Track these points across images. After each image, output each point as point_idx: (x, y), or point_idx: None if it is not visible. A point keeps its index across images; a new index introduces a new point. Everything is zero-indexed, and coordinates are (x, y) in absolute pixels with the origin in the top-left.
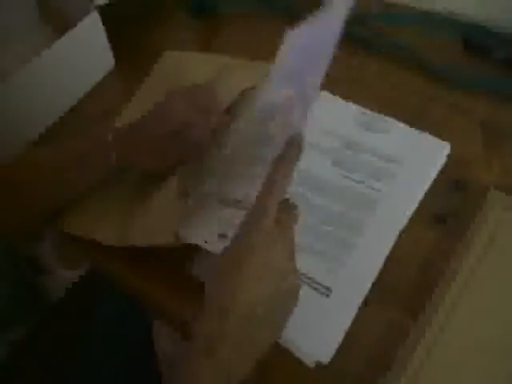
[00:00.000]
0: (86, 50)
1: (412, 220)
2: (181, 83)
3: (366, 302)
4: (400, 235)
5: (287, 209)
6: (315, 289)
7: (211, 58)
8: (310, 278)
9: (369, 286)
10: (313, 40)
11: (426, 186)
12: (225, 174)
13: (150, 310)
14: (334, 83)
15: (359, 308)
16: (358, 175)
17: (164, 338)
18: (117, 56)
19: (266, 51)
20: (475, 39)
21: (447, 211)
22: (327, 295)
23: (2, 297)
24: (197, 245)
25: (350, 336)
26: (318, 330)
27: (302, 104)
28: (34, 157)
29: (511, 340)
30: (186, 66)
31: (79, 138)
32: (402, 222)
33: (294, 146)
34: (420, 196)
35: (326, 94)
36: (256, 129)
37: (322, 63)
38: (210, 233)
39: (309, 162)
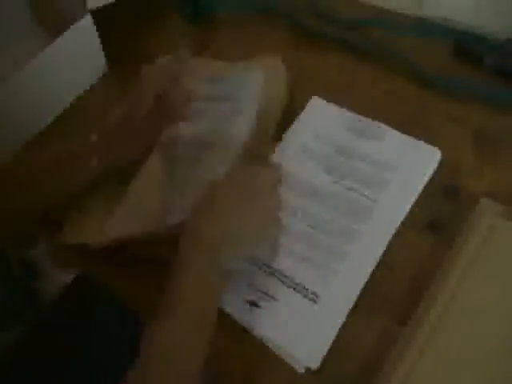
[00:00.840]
0: (79, 54)
1: (403, 226)
2: None
3: (357, 309)
4: (391, 241)
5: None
6: (304, 295)
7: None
8: (299, 284)
9: (358, 292)
10: None
11: (417, 192)
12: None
13: (143, 314)
14: (327, 89)
15: (350, 314)
16: (349, 182)
17: None
18: (110, 60)
19: (260, 54)
20: (467, 46)
21: (438, 218)
22: (316, 302)
23: None
24: None
25: (340, 342)
26: (307, 336)
27: None
28: (23, 159)
29: (502, 342)
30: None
31: (66, 141)
32: (393, 228)
33: None
34: (411, 203)
35: (318, 100)
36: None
37: None
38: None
39: (300, 168)
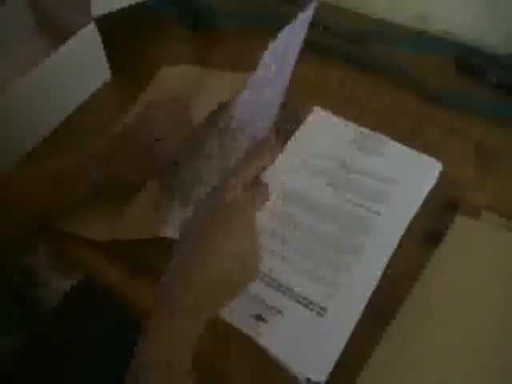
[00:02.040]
0: (83, 61)
1: (404, 238)
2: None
3: (361, 321)
4: (393, 253)
5: (255, 188)
6: (311, 309)
7: (206, 72)
8: (304, 298)
9: (363, 305)
10: (285, 50)
11: (419, 204)
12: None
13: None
14: (329, 101)
15: (356, 327)
16: (351, 196)
17: None
18: (113, 67)
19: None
20: (468, 60)
21: (439, 230)
22: (322, 315)
23: None
24: None
25: (346, 354)
26: (313, 350)
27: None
28: (22, 168)
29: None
30: (180, 82)
31: (62, 156)
32: (396, 240)
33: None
34: (412, 215)
35: (320, 111)
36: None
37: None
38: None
39: (301, 182)
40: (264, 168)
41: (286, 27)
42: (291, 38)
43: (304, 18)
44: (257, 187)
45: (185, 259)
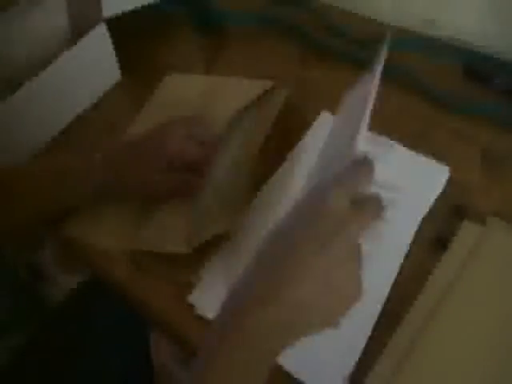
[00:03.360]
0: (93, 62)
1: (412, 245)
2: (180, 108)
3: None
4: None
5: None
6: None
7: (211, 80)
8: None
9: (377, 315)
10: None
11: (426, 210)
12: None
13: (148, 320)
14: (335, 104)
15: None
16: None
17: (162, 350)
18: (123, 68)
19: (269, 67)
20: (476, 66)
21: (446, 236)
22: (335, 326)
23: (2, 303)
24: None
25: (360, 364)
26: (327, 363)
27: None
28: (29, 167)
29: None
30: (185, 90)
31: (67, 156)
32: (405, 247)
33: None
34: (420, 220)
35: (328, 115)
36: None
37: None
38: None
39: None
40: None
41: (365, 76)
42: (368, 86)
43: (378, 67)
44: (368, 203)
45: (264, 276)
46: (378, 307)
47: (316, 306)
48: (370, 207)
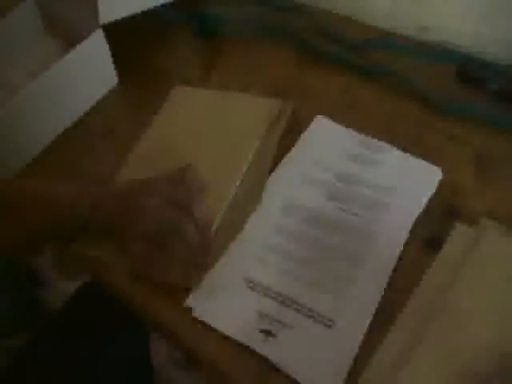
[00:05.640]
0: (90, 67)
1: (405, 246)
2: (189, 123)
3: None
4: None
5: None
6: (318, 321)
7: (218, 95)
8: (311, 310)
9: (371, 316)
10: None
11: (419, 212)
12: None
13: (146, 322)
14: (330, 109)
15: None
16: (352, 207)
17: (161, 352)
18: (120, 73)
19: (266, 71)
20: (470, 71)
21: (439, 237)
22: (330, 327)
23: (2, 308)
24: None
25: (356, 365)
26: (323, 362)
27: None
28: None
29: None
30: (194, 105)
31: (53, 182)
32: (398, 249)
33: None
34: (413, 222)
35: (322, 119)
36: None
37: None
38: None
39: (302, 193)
40: None
41: None
42: None
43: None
44: None
45: None
46: (373, 306)
47: None
48: None
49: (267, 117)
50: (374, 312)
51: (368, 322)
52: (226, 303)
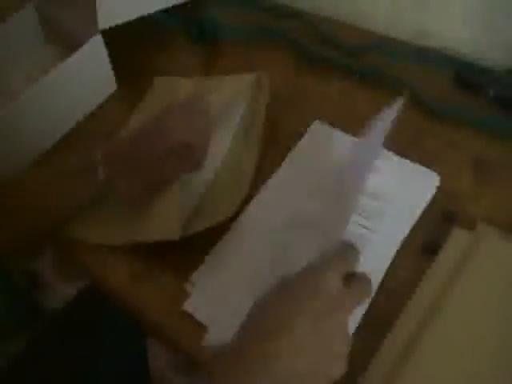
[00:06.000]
0: (89, 72)
1: (402, 250)
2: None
3: (357, 333)
4: (390, 265)
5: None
6: None
7: (199, 80)
8: None
9: (359, 318)
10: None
11: (416, 217)
12: None
13: (144, 326)
14: (328, 114)
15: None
16: None
17: (159, 357)
18: (119, 78)
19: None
20: (468, 76)
21: (436, 242)
22: None
23: (1, 310)
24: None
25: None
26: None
27: None
28: (27, 175)
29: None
30: (177, 89)
31: (69, 156)
32: (392, 254)
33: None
34: (410, 227)
35: (320, 125)
36: None
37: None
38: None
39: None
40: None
41: (373, 126)
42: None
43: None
44: (358, 282)
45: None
46: (362, 309)
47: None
48: (360, 287)
49: (249, 89)
50: (362, 315)
51: (356, 324)
52: (224, 306)
